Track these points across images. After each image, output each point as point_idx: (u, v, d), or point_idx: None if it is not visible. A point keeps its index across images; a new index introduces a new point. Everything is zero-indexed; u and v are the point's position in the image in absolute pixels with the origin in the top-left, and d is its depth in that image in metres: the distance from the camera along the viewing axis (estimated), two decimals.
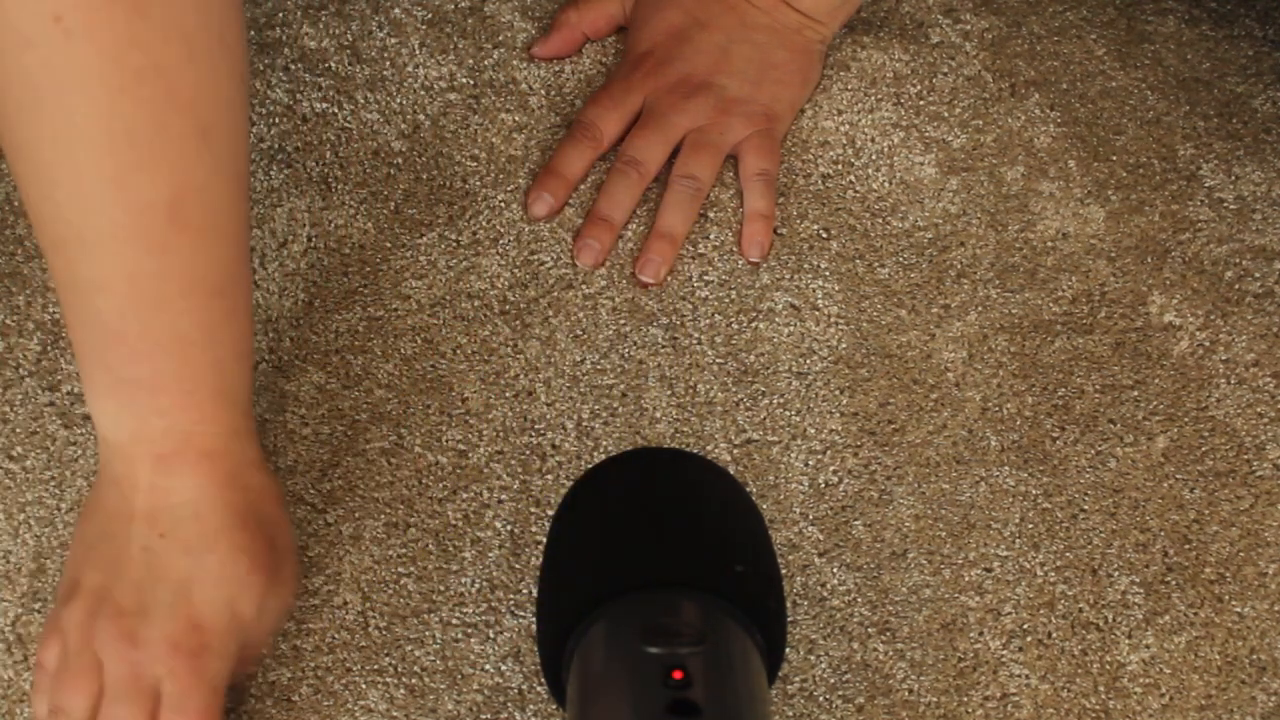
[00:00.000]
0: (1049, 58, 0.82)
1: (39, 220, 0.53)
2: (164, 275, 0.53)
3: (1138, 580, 0.66)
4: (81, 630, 0.56)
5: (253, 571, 0.58)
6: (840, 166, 0.76)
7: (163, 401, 0.56)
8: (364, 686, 0.62)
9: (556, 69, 0.79)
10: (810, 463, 0.68)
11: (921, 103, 0.79)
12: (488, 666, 0.62)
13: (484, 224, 0.74)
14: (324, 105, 0.76)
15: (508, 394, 0.69)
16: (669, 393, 0.69)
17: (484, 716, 0.61)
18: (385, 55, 0.78)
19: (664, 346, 0.70)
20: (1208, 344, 0.72)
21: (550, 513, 0.66)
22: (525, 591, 0.64)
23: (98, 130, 0.49)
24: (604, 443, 0.68)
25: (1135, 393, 0.71)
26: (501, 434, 0.68)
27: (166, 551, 0.56)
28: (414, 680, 0.62)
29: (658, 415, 0.69)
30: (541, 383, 0.69)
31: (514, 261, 0.72)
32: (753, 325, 0.71)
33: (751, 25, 0.77)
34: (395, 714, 0.61)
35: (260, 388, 0.68)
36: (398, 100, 0.77)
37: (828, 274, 0.73)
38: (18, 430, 0.67)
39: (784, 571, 0.63)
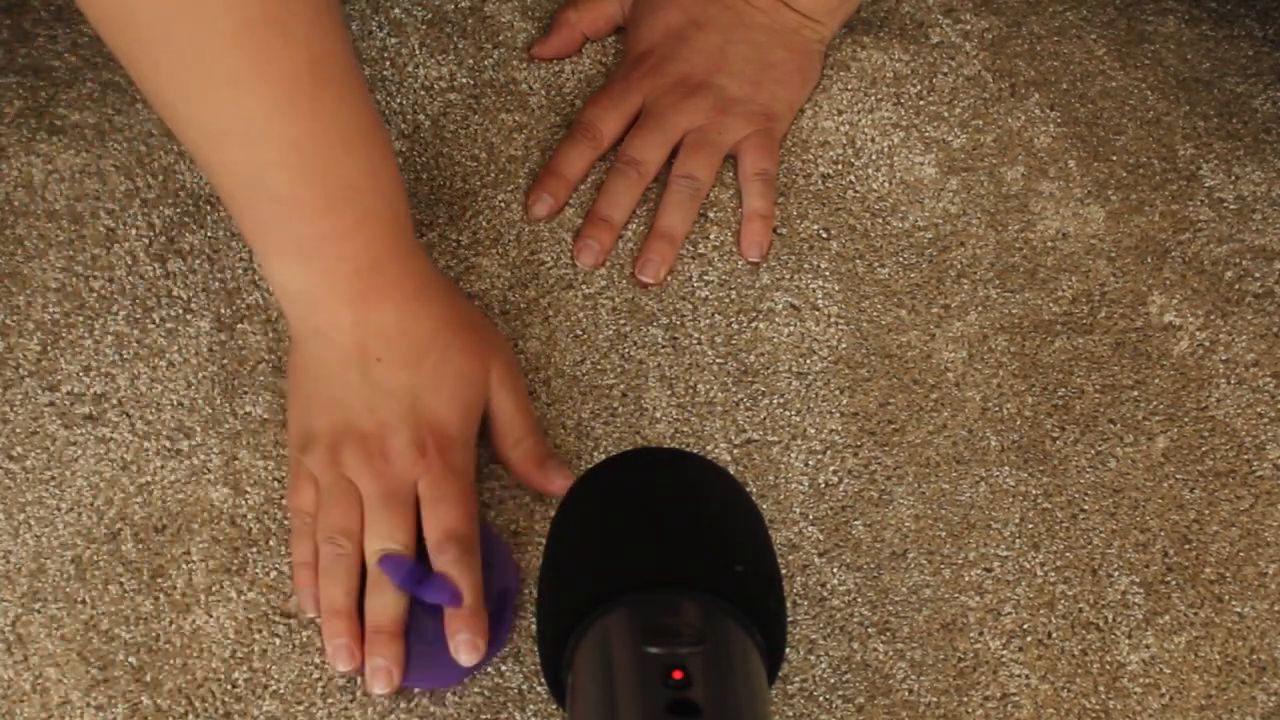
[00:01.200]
0: (1049, 58, 0.82)
1: (190, 124, 0.57)
2: (323, 134, 0.57)
3: (1138, 580, 0.66)
4: (330, 465, 0.61)
5: (467, 360, 0.63)
6: (840, 166, 0.76)
7: (347, 248, 0.60)
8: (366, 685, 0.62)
9: (556, 69, 0.79)
10: (810, 463, 0.68)
11: (921, 103, 0.79)
12: (488, 667, 0.62)
13: (484, 224, 0.74)
14: None
15: None
16: (669, 393, 0.69)
17: (484, 716, 0.61)
18: (385, 55, 0.78)
19: (664, 346, 0.70)
20: (1208, 344, 0.72)
21: (550, 513, 0.66)
22: (525, 592, 0.64)
23: (234, 20, 0.52)
24: (604, 443, 0.68)
25: (1135, 393, 0.71)
26: None
27: (387, 373, 0.61)
28: None
29: (658, 415, 0.69)
30: (541, 383, 0.69)
31: (514, 261, 0.72)
32: (753, 325, 0.71)
33: (750, 25, 0.77)
34: (396, 713, 0.61)
35: (260, 387, 0.68)
36: (398, 100, 0.77)
37: (828, 274, 0.73)
38: (18, 430, 0.67)
39: (784, 571, 0.63)
